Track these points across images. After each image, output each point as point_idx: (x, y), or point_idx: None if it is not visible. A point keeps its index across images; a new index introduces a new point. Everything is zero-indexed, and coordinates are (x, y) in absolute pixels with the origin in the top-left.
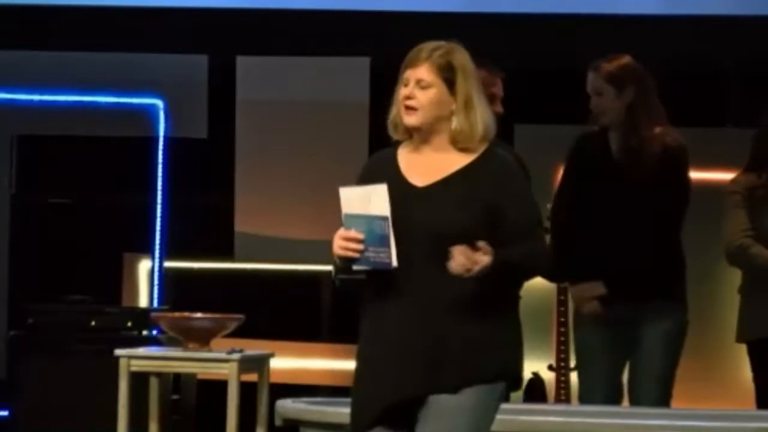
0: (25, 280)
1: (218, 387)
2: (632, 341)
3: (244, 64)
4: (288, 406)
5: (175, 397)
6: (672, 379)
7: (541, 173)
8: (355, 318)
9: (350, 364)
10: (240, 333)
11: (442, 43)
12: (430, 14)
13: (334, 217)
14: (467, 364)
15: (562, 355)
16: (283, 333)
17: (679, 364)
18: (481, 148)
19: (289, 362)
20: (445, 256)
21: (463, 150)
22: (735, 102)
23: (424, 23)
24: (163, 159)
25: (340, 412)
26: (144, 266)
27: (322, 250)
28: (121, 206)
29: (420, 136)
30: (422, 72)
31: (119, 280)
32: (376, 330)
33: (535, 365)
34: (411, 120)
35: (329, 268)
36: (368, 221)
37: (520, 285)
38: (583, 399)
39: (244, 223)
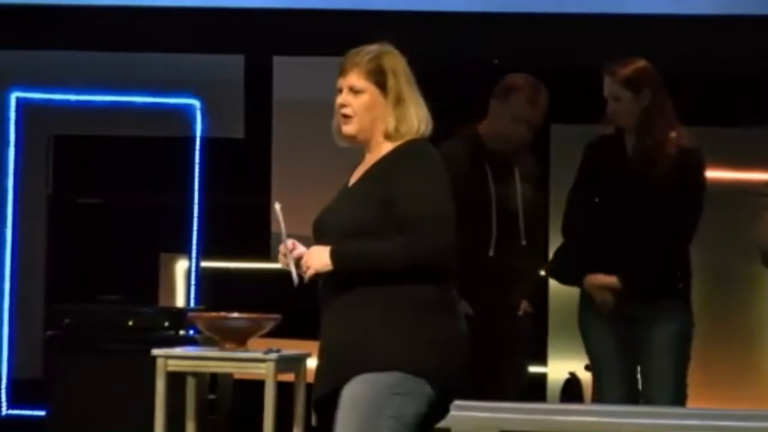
0: (61, 280)
1: (255, 387)
2: (641, 342)
3: (280, 64)
4: None
5: (211, 397)
6: (685, 379)
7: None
8: None
9: None
10: (277, 333)
11: (371, 47)
12: (464, 14)
13: None
14: (356, 359)
15: None
16: (318, 333)
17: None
18: (402, 142)
19: None
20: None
21: (390, 146)
22: None
23: (460, 23)
24: (200, 159)
25: None
26: (181, 266)
27: None
28: (158, 206)
29: (362, 142)
30: (353, 78)
31: (156, 279)
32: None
33: (572, 365)
34: (348, 129)
35: None
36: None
37: (398, 278)
38: (600, 401)
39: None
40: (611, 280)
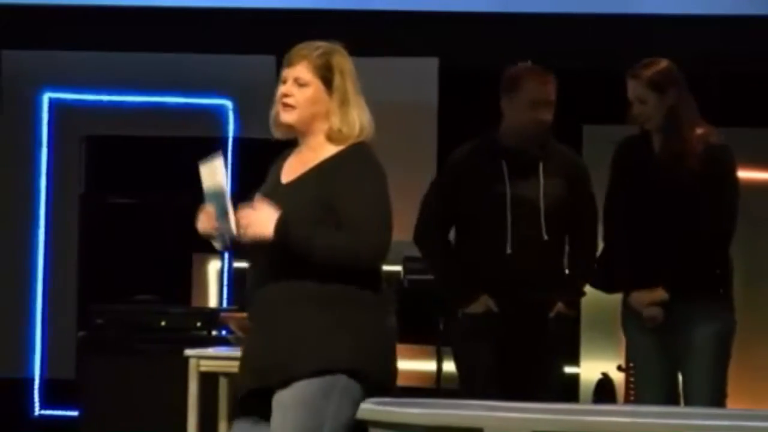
0: (94, 281)
1: None
2: (683, 344)
3: None
4: None
5: None
6: (725, 380)
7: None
8: (421, 319)
9: (416, 365)
10: None
11: (321, 42)
12: (499, 15)
13: (402, 218)
14: (291, 360)
15: None
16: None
17: (729, 365)
18: (346, 146)
19: None
20: (280, 251)
21: (334, 147)
22: None
23: (494, 24)
24: (233, 159)
25: (409, 412)
26: (213, 266)
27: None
28: (191, 206)
29: (299, 134)
30: (300, 70)
31: (188, 280)
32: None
33: (605, 366)
34: (287, 117)
35: (396, 268)
36: (215, 196)
37: (335, 275)
38: (640, 403)
39: None
40: (658, 294)
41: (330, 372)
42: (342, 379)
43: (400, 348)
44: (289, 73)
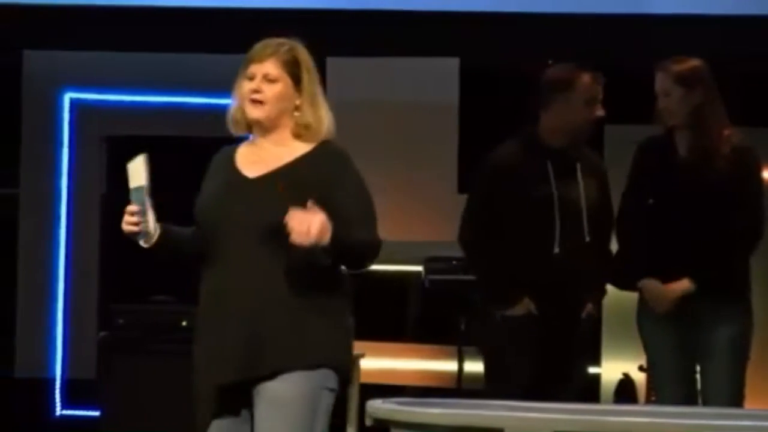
0: (115, 281)
1: None
2: (701, 344)
3: (333, 65)
4: (378, 406)
5: None
6: (743, 382)
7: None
8: (442, 319)
9: (438, 365)
10: None
11: (284, 39)
12: (520, 15)
13: (423, 218)
14: (282, 353)
15: None
16: (371, 333)
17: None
18: (317, 142)
19: (376, 362)
20: (265, 246)
21: (304, 144)
22: None
23: (515, 24)
24: None
25: (430, 412)
26: None
27: (410, 250)
28: None
29: (261, 130)
30: (269, 66)
31: None
32: (204, 316)
33: (626, 366)
34: (256, 113)
35: (418, 268)
36: (137, 193)
37: (337, 270)
38: (660, 402)
39: None
40: (684, 285)
41: (322, 366)
42: (331, 374)
43: (422, 348)
44: (257, 69)
